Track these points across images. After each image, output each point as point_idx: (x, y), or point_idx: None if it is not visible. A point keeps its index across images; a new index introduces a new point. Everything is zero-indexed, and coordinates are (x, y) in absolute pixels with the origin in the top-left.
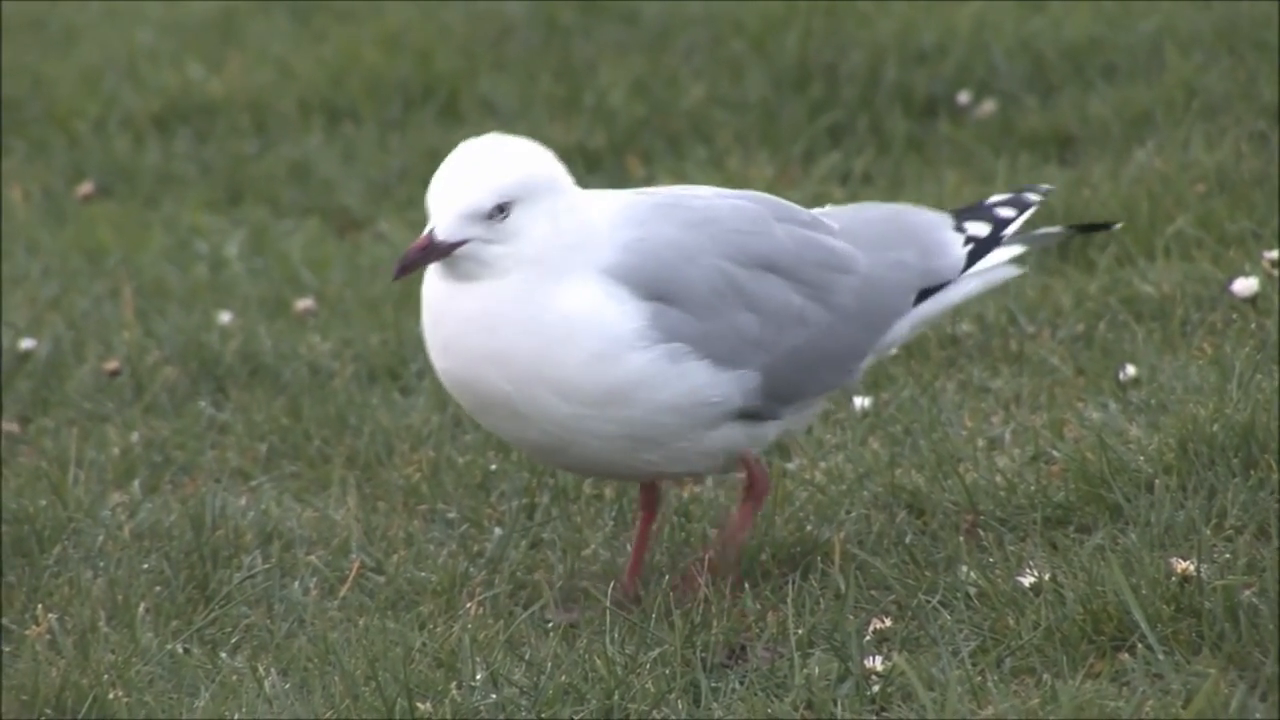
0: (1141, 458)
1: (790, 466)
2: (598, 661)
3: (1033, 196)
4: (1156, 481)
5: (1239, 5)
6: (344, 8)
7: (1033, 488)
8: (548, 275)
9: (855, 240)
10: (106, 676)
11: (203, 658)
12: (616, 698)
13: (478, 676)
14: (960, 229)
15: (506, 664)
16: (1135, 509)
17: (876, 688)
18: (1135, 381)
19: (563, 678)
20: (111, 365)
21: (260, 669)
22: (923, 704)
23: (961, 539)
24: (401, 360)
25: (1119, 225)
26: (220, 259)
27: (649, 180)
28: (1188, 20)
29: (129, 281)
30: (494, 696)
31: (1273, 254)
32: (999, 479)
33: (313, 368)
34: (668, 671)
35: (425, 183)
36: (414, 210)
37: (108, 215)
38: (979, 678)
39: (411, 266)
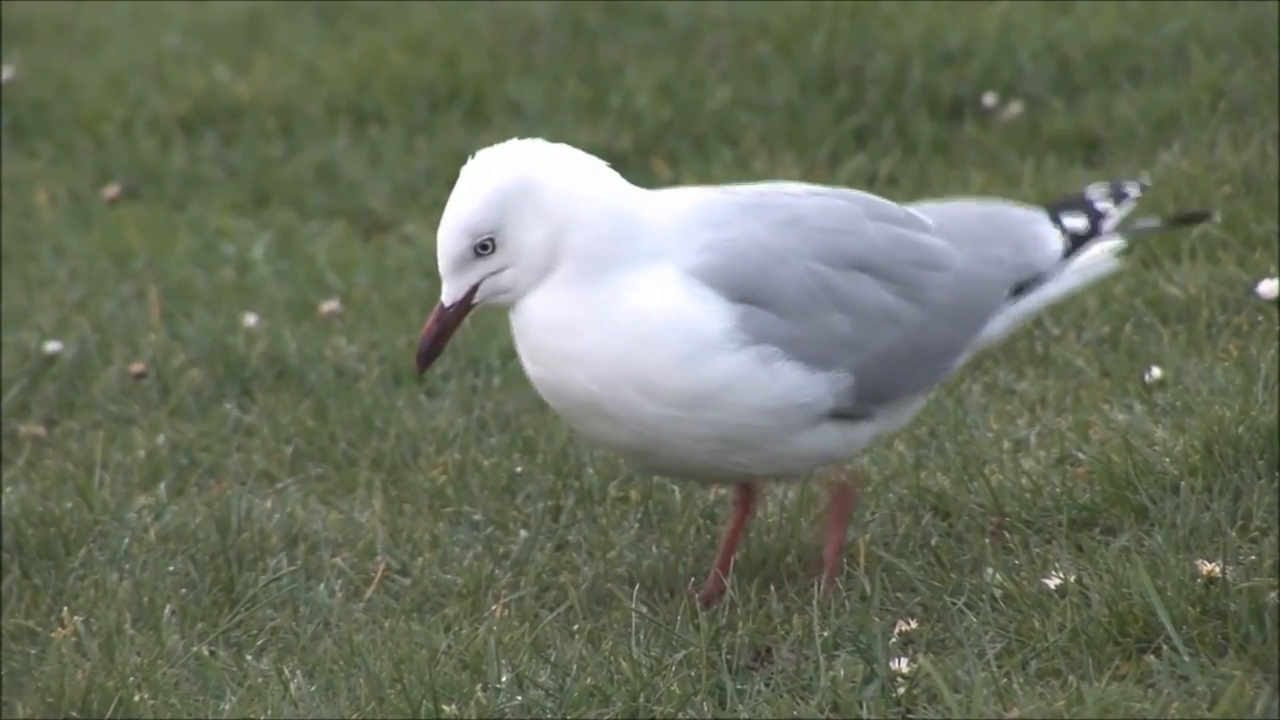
0: (1167, 460)
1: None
2: (623, 664)
3: (1131, 189)
4: (1182, 483)
5: (1265, 6)
6: (370, 10)
7: (1058, 490)
8: (604, 269)
9: (950, 237)
10: (132, 679)
11: (228, 660)
12: (642, 700)
13: (503, 679)
14: (1057, 223)
15: (532, 666)
16: (1161, 511)
17: (902, 690)
18: (1161, 383)
19: (588, 680)
20: (137, 368)
21: (286, 671)
22: (948, 706)
23: (987, 541)
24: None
25: (1216, 217)
26: (246, 261)
27: (674, 183)
28: (1213, 22)
29: (155, 284)
30: (519, 699)
31: None
32: (1024, 481)
33: (339, 370)
34: (693, 674)
35: (451, 185)
36: (440, 213)
37: (134, 218)
38: (1004, 680)
39: (431, 351)
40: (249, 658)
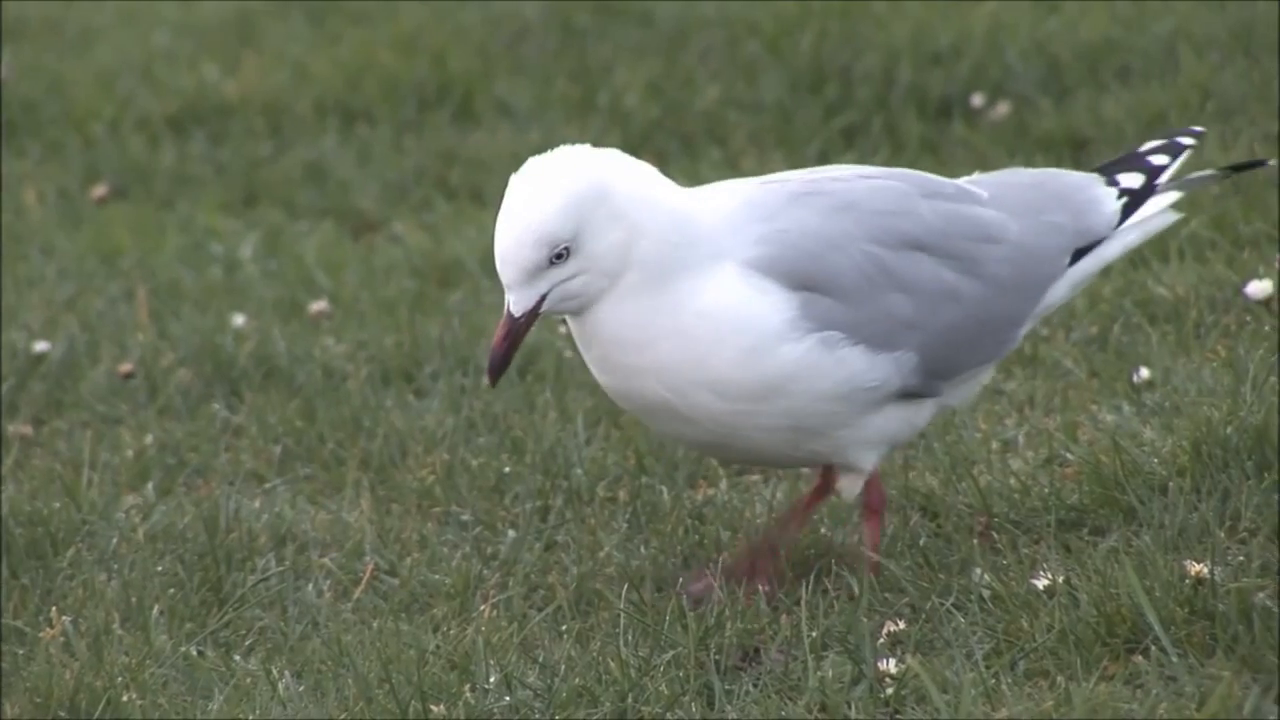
0: (1155, 460)
1: (805, 470)
2: (611, 664)
3: (1186, 140)
4: (1170, 484)
5: (1254, 6)
6: (359, 10)
7: (1046, 490)
8: (669, 276)
9: (1005, 207)
10: (120, 679)
11: (217, 660)
12: (630, 700)
13: (491, 679)
14: (1113, 182)
15: (520, 666)
16: (1149, 511)
17: (890, 690)
18: (1149, 384)
19: (576, 680)
20: (126, 367)
21: (274, 671)
22: (936, 706)
23: (975, 541)
24: (416, 363)
25: (1272, 162)
26: (235, 261)
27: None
28: (1202, 22)
29: (144, 283)
30: (507, 699)
31: None
32: (1013, 481)
33: (327, 370)
34: (681, 674)
35: (440, 184)
36: (429, 212)
37: (123, 217)
38: (993, 680)
39: (502, 363)
40: (237, 658)
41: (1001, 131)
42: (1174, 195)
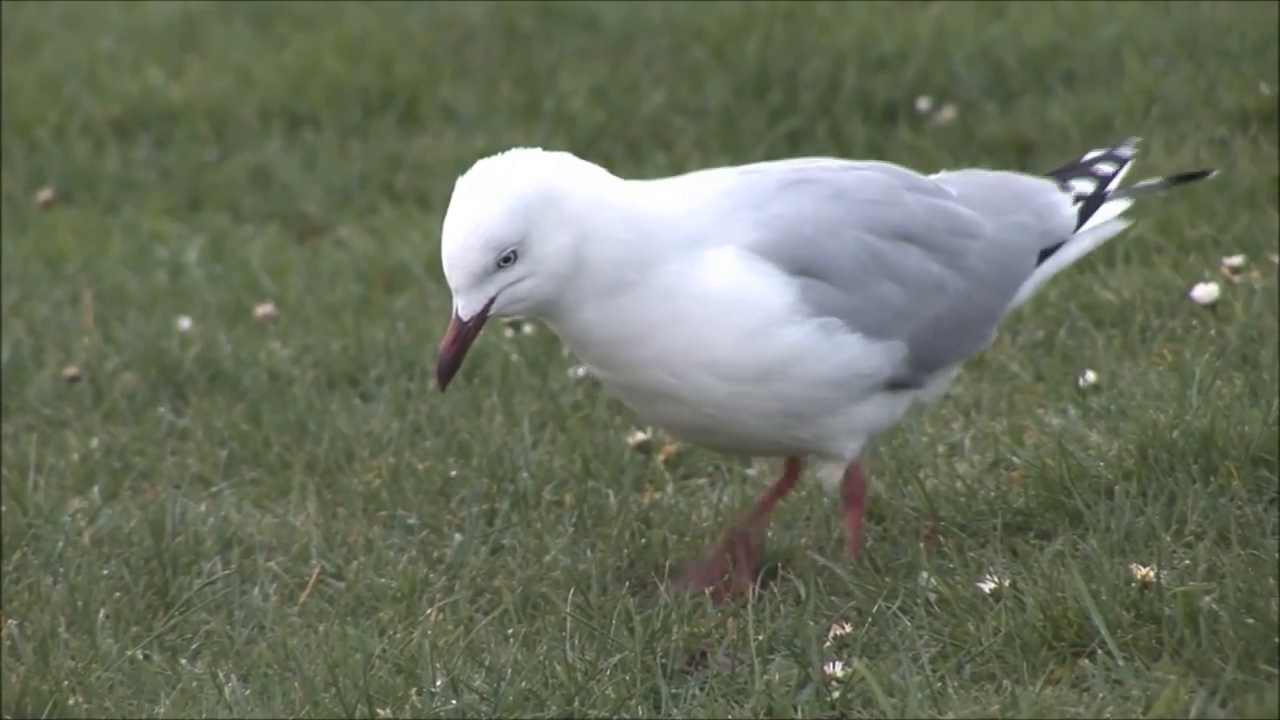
0: (1101, 464)
1: (751, 473)
2: (558, 667)
3: (1126, 151)
4: (1116, 488)
5: (1198, 11)
6: (304, 14)
7: (993, 494)
8: (641, 268)
9: (974, 205)
10: (66, 683)
11: (163, 664)
12: (577, 704)
13: (438, 682)
14: (1066, 188)
15: (466, 670)
16: (1095, 515)
17: (837, 694)
18: (1095, 388)
19: (523, 684)
20: (71, 371)
21: (220, 675)
22: (883, 710)
23: (922, 545)
24: (361, 366)
25: (1215, 173)
26: (180, 265)
27: None
28: (1147, 27)
29: (89, 288)
30: (454, 702)
31: (1232, 260)
32: (959, 485)
33: (273, 374)
34: (628, 678)
35: (385, 189)
36: (374, 216)
37: (68, 221)
38: (939, 684)
39: (450, 366)
40: (183, 661)
41: (947, 136)
42: (1124, 203)
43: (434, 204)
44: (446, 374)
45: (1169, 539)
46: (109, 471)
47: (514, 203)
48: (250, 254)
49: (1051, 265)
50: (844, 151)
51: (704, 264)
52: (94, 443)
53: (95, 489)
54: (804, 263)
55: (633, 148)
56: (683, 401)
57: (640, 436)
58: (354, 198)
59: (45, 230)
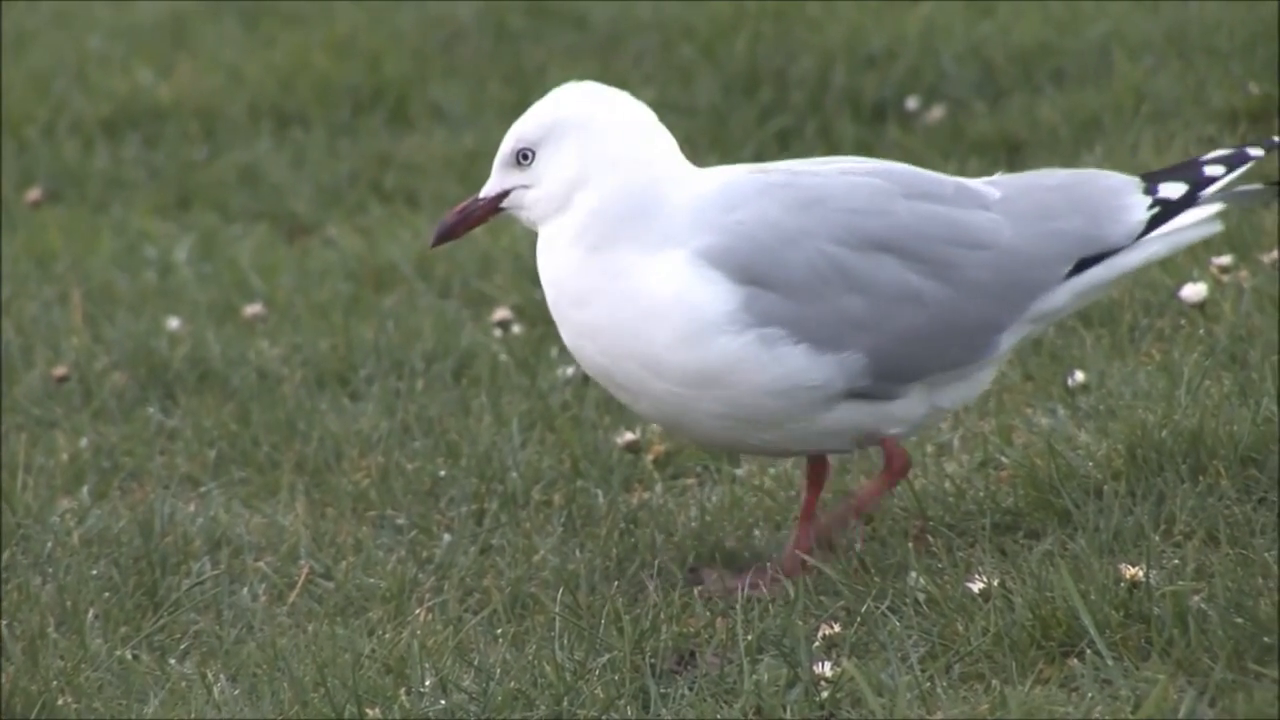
0: (1090, 464)
1: (739, 473)
2: (547, 667)
3: (1254, 151)
4: (1105, 487)
5: (1188, 10)
6: (293, 12)
7: (981, 494)
8: (615, 238)
9: (1009, 211)
10: (55, 683)
11: (152, 664)
12: (565, 704)
13: (426, 682)
14: (1152, 191)
15: (455, 670)
16: (1084, 515)
17: (825, 693)
18: (1084, 387)
19: (512, 684)
20: (60, 371)
21: (209, 675)
22: (872, 710)
23: (911, 545)
24: (350, 366)
25: None
26: (169, 264)
27: None
28: (1136, 25)
29: (77, 287)
30: (443, 702)
31: (1221, 260)
32: (948, 485)
33: (261, 373)
34: (617, 677)
35: (374, 188)
36: (363, 215)
37: (57, 220)
38: (928, 683)
39: (449, 231)
40: (172, 661)
41: (936, 134)
42: (1216, 207)
43: (423, 203)
44: (442, 237)
45: (1158, 538)
46: (98, 471)
47: (552, 114)
48: (239, 253)
49: (1104, 270)
50: (832, 151)
51: (655, 263)
52: (83, 442)
53: (84, 489)
54: (754, 272)
55: None
56: (626, 390)
57: (629, 436)
58: (343, 196)
59: (34, 229)
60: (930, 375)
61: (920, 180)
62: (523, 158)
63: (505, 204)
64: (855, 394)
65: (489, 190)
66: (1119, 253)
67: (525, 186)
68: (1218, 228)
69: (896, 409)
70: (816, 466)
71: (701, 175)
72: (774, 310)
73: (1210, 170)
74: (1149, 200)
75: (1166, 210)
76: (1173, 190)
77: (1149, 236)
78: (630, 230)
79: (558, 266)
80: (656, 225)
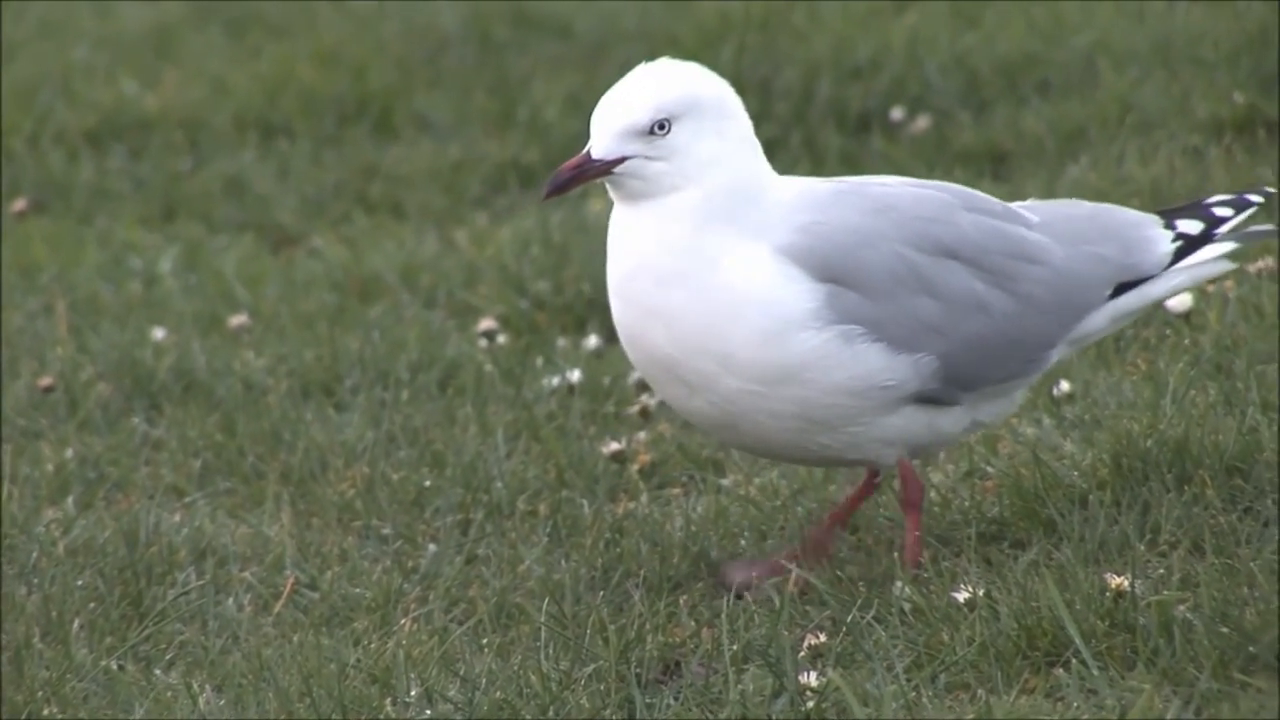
0: (1076, 473)
1: (725, 483)
2: (532, 677)
3: (1254, 198)
4: (1091, 497)
5: (1173, 20)
6: (279, 23)
7: (967, 503)
8: (718, 223)
9: (1052, 233)
10: (40, 693)
11: (137, 674)
12: (551, 713)
13: (412, 692)
14: (1171, 226)
15: (441, 680)
16: (1069, 525)
17: (811, 703)
18: (1069, 397)
19: (497, 694)
20: (45, 381)
21: (195, 686)
22: (857, 719)
23: (896, 555)
24: (336, 376)
25: None
26: (154, 275)
27: (583, 196)
28: (1122, 35)
29: (63, 298)
30: (428, 713)
31: None
32: (933, 495)
33: (247, 384)
34: (602, 687)
35: (359, 198)
36: (348, 226)
37: (42, 231)
38: (913, 693)
39: (564, 185)
40: (157, 672)
41: (921, 145)
42: (1229, 246)
43: (408, 213)
44: (557, 188)
45: (1143, 548)
46: (83, 481)
47: (691, 85)
48: (224, 264)
49: (1137, 297)
50: (817, 161)
51: (739, 255)
52: (68, 453)
53: (69, 499)
54: (834, 270)
55: None
56: (687, 384)
57: (614, 446)
58: (328, 207)
59: (19, 240)
60: (988, 385)
61: (975, 196)
62: (659, 128)
63: (619, 170)
64: (922, 398)
65: (606, 153)
66: (1148, 281)
67: (648, 158)
68: (1233, 265)
69: (945, 420)
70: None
71: (784, 180)
72: (854, 308)
73: (1218, 211)
74: (1172, 234)
75: (1188, 244)
76: (1191, 227)
77: (1175, 267)
78: (738, 214)
79: (651, 241)
80: (754, 216)
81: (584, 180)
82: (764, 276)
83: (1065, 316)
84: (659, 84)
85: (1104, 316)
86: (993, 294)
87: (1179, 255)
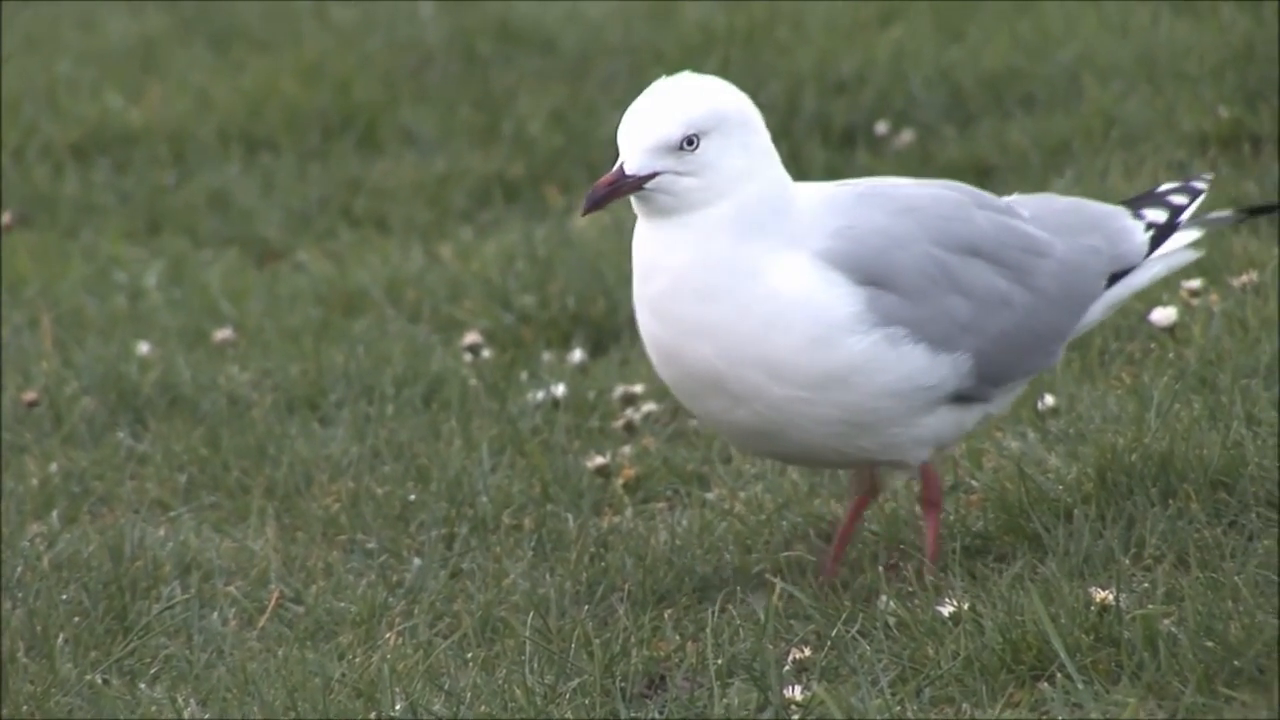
0: (1060, 487)
1: (709, 496)
2: (517, 691)
3: (1200, 184)
4: (1075, 511)
5: (1157, 34)
6: (263, 37)
7: (952, 517)
8: (753, 235)
9: (1045, 227)
10: (25, 707)
11: (122, 689)
12: None
13: (397, 706)
14: (1139, 216)
15: (426, 694)
16: (1054, 538)
17: (796, 717)
18: (1054, 411)
19: (482, 708)
20: (30, 396)
21: (179, 700)
22: None
23: (881, 568)
24: (320, 391)
25: None
26: (139, 289)
27: (567, 211)
28: (1106, 50)
29: (47, 312)
30: None
31: (1191, 284)
32: (918, 509)
33: (232, 398)
34: (587, 701)
35: (344, 213)
36: (333, 240)
37: (26, 245)
38: (898, 707)
39: (600, 201)
40: (142, 686)
41: (906, 159)
42: (1195, 233)
43: (393, 228)
44: (595, 204)
45: (1128, 562)
46: (68, 496)
47: (720, 100)
48: (209, 278)
49: (1122, 289)
50: (802, 176)
51: (780, 264)
52: (53, 467)
53: (54, 513)
54: (872, 272)
55: (592, 171)
56: (732, 396)
57: (599, 460)
58: (313, 221)
59: (4, 254)
60: (1016, 380)
61: (982, 194)
62: (688, 143)
63: (650, 185)
64: (958, 397)
65: (639, 169)
66: (1131, 271)
67: (678, 173)
68: (1201, 253)
69: (970, 417)
70: (864, 476)
71: (804, 187)
72: (895, 310)
73: (1175, 199)
74: (1143, 224)
75: (1158, 234)
76: (1158, 216)
77: (1151, 257)
78: (771, 226)
79: (687, 256)
80: (786, 225)
81: (618, 196)
82: (807, 283)
83: (1074, 307)
84: (687, 99)
85: (1100, 307)
86: (1014, 289)
87: (1153, 245)
